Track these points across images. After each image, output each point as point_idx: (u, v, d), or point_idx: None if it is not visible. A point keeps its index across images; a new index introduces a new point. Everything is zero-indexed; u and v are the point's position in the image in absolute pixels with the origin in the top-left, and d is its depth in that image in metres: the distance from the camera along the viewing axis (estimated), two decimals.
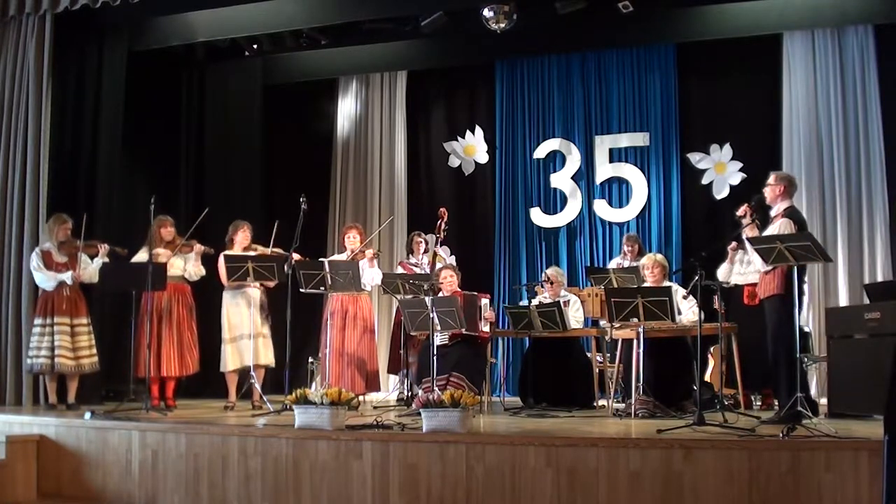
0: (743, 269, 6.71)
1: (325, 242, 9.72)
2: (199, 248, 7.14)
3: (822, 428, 4.72)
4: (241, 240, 7.22)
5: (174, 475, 5.44)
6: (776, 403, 6.12)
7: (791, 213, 5.64)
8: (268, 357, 7.16)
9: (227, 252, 7.10)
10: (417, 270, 7.67)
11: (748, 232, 5.73)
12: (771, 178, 5.75)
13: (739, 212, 5.68)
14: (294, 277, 6.73)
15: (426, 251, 8.07)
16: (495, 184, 9.61)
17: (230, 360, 7.11)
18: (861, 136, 8.23)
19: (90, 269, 6.94)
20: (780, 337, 5.52)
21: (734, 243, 6.70)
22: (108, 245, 7.02)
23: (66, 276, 6.86)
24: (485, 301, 7.00)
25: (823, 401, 6.48)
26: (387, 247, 8.89)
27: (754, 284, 6.64)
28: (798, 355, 5.27)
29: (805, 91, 8.46)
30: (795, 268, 5.34)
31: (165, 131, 9.38)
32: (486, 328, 6.94)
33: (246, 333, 7.08)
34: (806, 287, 8.09)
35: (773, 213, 5.69)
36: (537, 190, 9.46)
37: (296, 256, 6.92)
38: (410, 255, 8.01)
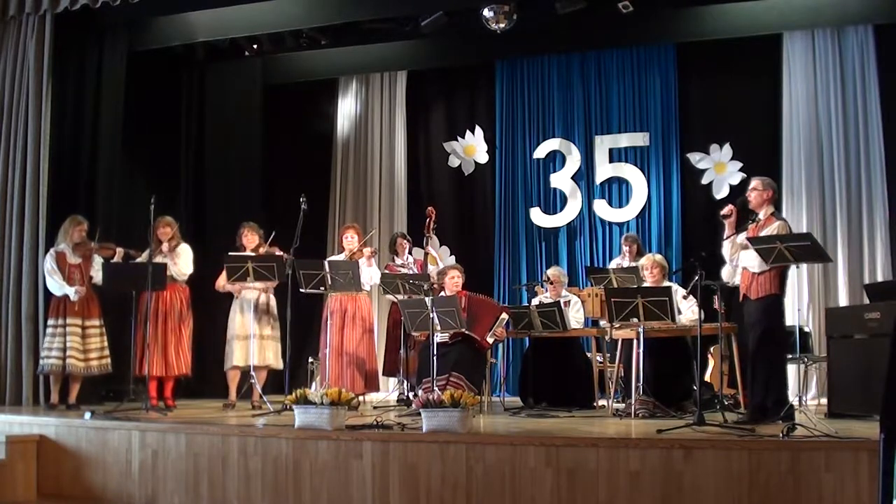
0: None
1: (325, 242, 9.72)
2: (164, 246, 7.08)
3: (822, 428, 4.72)
4: (246, 242, 7.23)
5: (174, 475, 5.44)
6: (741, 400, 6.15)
7: (783, 218, 5.66)
8: (268, 359, 7.14)
9: (231, 253, 7.11)
10: (404, 271, 7.66)
11: (728, 232, 5.73)
12: (757, 183, 5.70)
13: (725, 211, 5.71)
14: (294, 277, 6.73)
15: (411, 251, 8.07)
16: (495, 184, 9.62)
17: (226, 358, 7.18)
18: (861, 136, 8.23)
19: (100, 270, 6.93)
20: (776, 337, 5.51)
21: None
22: (122, 249, 7.02)
23: (71, 291, 6.86)
24: (504, 316, 6.98)
25: (823, 401, 6.48)
26: (386, 248, 8.88)
27: None
28: (798, 355, 5.28)
29: (805, 91, 8.46)
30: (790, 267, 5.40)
31: (165, 131, 9.37)
32: (491, 340, 6.94)
33: (242, 334, 7.09)
34: (806, 287, 8.17)
35: (758, 216, 5.64)
36: (537, 190, 9.46)
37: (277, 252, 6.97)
38: (395, 257, 7.99)
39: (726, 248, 5.74)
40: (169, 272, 7.04)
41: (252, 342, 7.06)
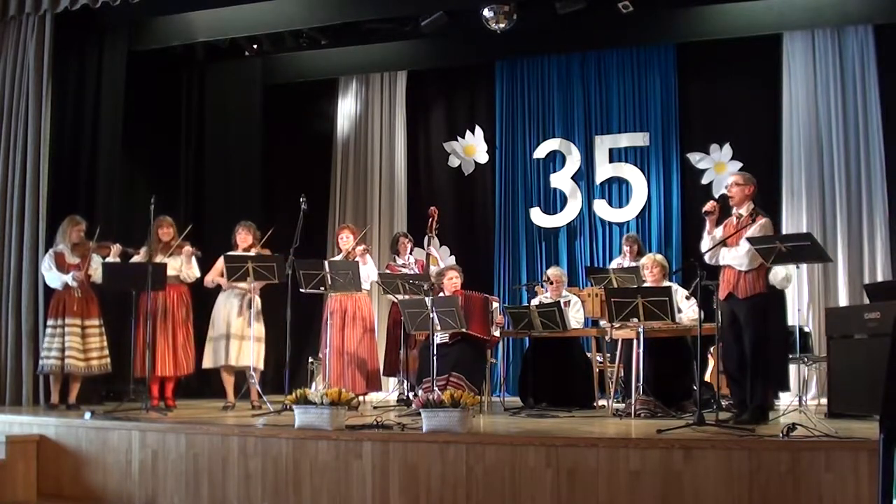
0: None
1: (325, 242, 9.72)
2: (187, 249, 7.11)
3: (822, 428, 4.72)
4: (240, 241, 7.23)
5: (174, 475, 5.44)
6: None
7: (768, 215, 5.61)
8: (247, 359, 7.02)
9: (229, 253, 7.10)
10: (405, 271, 7.66)
11: (709, 229, 5.70)
12: (738, 178, 5.62)
13: (708, 207, 5.67)
14: (294, 277, 6.73)
15: (412, 251, 8.07)
16: (495, 184, 9.62)
17: (212, 357, 7.15)
18: (861, 136, 8.22)
19: (99, 269, 6.94)
20: (773, 335, 5.48)
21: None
22: (119, 245, 7.03)
23: (68, 278, 6.87)
24: (496, 305, 6.99)
25: (823, 401, 6.48)
26: (386, 247, 8.89)
27: None
28: (798, 355, 5.27)
29: (805, 91, 8.46)
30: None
31: (165, 131, 9.38)
32: (497, 332, 6.94)
33: (223, 333, 7.08)
34: (806, 287, 8.17)
35: (741, 212, 5.58)
36: (537, 190, 9.45)
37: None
38: (397, 257, 7.98)
39: (706, 246, 5.66)
40: (176, 273, 7.05)
41: (233, 342, 7.03)
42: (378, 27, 9.10)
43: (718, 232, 5.63)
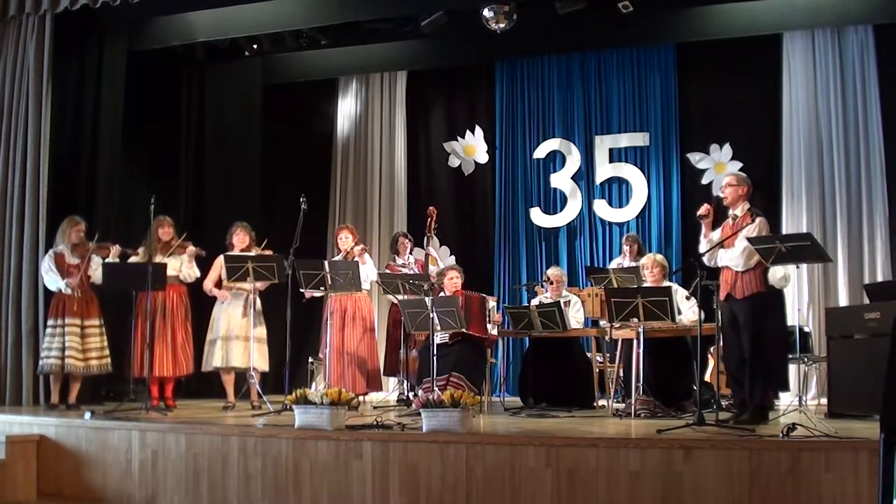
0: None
1: (325, 242, 9.72)
2: (191, 249, 7.14)
3: (822, 428, 4.72)
4: (237, 242, 7.22)
5: (174, 475, 5.44)
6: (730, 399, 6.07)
7: (763, 215, 5.61)
8: (256, 360, 7.03)
9: (228, 253, 7.10)
10: (405, 271, 7.66)
11: (705, 232, 5.71)
12: (732, 179, 5.65)
13: (702, 211, 5.69)
14: (294, 278, 6.73)
15: (412, 251, 8.07)
16: (495, 184, 9.62)
17: (204, 360, 7.16)
18: (861, 136, 8.22)
19: (99, 270, 6.94)
20: (771, 335, 5.48)
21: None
22: (119, 246, 7.03)
23: (62, 284, 6.88)
24: (492, 304, 7.00)
25: (823, 401, 6.48)
26: (386, 247, 8.89)
27: None
28: (798, 355, 5.27)
29: (805, 91, 8.46)
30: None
31: (165, 131, 9.38)
32: (495, 331, 6.94)
33: (224, 335, 7.08)
34: (806, 287, 8.18)
35: (736, 213, 5.60)
36: (537, 190, 9.46)
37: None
38: (397, 257, 7.98)
39: (704, 249, 5.67)
40: (175, 273, 7.05)
41: (236, 343, 7.03)
42: (378, 27, 9.11)
43: (715, 234, 5.64)
